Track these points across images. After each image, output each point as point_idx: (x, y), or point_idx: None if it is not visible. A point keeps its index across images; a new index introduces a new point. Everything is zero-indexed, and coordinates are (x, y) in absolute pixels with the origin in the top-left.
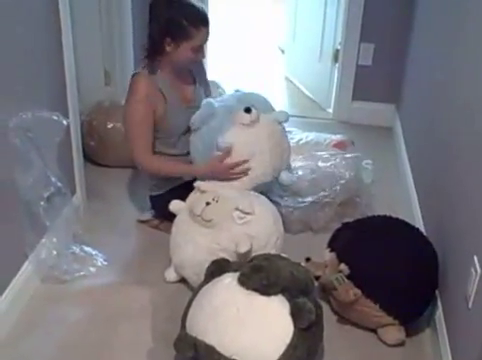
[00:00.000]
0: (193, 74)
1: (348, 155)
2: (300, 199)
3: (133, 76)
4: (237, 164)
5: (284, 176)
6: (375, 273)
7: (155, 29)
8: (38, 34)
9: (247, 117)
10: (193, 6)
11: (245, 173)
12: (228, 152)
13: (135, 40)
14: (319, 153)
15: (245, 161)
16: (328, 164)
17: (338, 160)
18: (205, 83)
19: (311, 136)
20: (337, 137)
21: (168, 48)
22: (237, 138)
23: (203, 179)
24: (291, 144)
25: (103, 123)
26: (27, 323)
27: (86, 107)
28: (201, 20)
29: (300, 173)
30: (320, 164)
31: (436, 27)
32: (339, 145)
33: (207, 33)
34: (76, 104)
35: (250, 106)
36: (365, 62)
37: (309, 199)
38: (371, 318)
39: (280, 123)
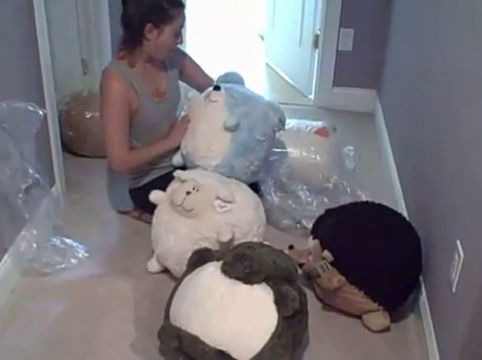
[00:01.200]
0: (165, 66)
1: (330, 142)
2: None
3: (104, 72)
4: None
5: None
6: (359, 260)
7: (134, 17)
8: (10, 22)
9: (213, 94)
10: None
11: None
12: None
13: (112, 28)
14: (300, 142)
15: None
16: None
17: (320, 147)
18: (202, 74)
19: (292, 123)
20: (318, 124)
21: (149, 35)
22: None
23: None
24: None
25: (81, 113)
26: (8, 317)
27: (64, 97)
28: (179, 1)
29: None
30: (303, 154)
31: (416, 11)
32: (321, 132)
33: (184, 14)
34: (53, 94)
35: (221, 86)
36: (345, 47)
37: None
38: (355, 304)
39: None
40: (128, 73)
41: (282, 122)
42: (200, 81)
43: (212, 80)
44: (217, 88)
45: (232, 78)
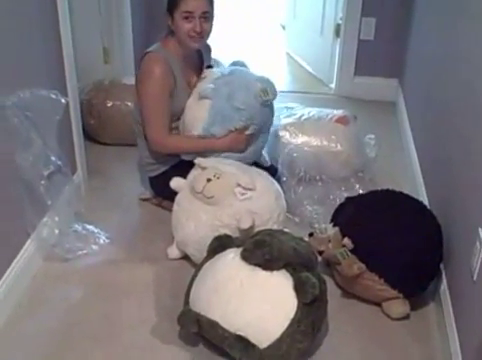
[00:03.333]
0: (202, 65)
1: (351, 130)
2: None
3: (146, 55)
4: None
5: None
6: (379, 247)
7: (166, 7)
8: (33, 12)
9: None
10: None
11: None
12: (246, 128)
13: (134, 17)
14: (321, 130)
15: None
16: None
17: (341, 136)
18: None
19: (313, 112)
20: (339, 112)
21: (169, 23)
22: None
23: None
24: (293, 120)
25: (103, 101)
26: (30, 302)
27: (86, 85)
28: None
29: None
30: (324, 142)
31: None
32: (341, 120)
33: (199, 1)
34: (75, 82)
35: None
36: (367, 36)
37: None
38: (375, 292)
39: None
40: (170, 58)
41: (267, 92)
42: None
43: None
44: (209, 67)
45: (236, 64)
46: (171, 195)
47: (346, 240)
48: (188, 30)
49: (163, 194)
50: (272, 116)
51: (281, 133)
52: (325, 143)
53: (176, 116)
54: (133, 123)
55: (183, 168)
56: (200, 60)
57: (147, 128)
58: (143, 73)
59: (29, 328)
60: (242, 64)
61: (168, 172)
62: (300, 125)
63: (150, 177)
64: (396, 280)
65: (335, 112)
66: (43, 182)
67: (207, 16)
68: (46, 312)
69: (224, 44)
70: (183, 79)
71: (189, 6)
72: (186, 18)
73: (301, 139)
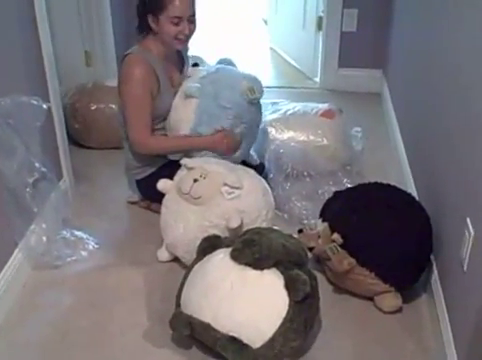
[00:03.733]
0: (183, 61)
1: (337, 123)
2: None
3: (126, 56)
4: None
5: None
6: (368, 241)
7: (138, 8)
8: (11, 16)
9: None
10: None
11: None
12: (234, 127)
13: (114, 19)
14: (307, 125)
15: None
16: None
17: (327, 130)
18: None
19: (298, 106)
20: (324, 106)
21: (153, 25)
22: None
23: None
24: (278, 116)
25: (86, 105)
26: (21, 310)
27: (69, 89)
28: None
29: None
30: (310, 137)
31: None
32: (327, 114)
33: (183, 2)
34: (56, 87)
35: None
36: (349, 28)
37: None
38: (367, 286)
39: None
40: (150, 58)
41: (254, 90)
42: None
43: None
44: (195, 65)
45: (223, 62)
46: (159, 197)
47: (335, 235)
48: (176, 33)
49: (151, 196)
50: (260, 114)
51: (267, 129)
52: (311, 138)
53: (162, 117)
54: (118, 126)
55: (170, 170)
56: (180, 58)
57: (129, 129)
58: (123, 75)
59: (20, 336)
60: (229, 62)
61: (155, 174)
62: (285, 120)
63: (137, 180)
64: (387, 274)
65: (320, 106)
66: (28, 189)
67: (193, 18)
68: (37, 320)
69: (207, 41)
70: (166, 78)
71: (178, 11)
72: (174, 22)
73: (287, 135)
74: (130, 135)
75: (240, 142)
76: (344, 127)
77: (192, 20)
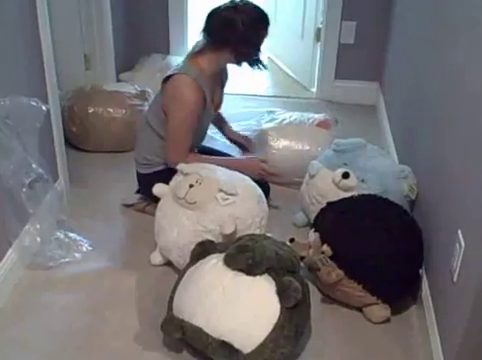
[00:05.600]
0: (222, 77)
1: (332, 134)
2: None
3: (179, 78)
4: (273, 174)
5: None
6: (357, 254)
7: (235, 34)
8: (12, 18)
9: (343, 181)
10: (265, 19)
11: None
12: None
13: (114, 23)
14: (303, 134)
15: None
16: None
17: (322, 140)
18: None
19: (294, 116)
20: (320, 116)
21: (235, 52)
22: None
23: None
24: (274, 125)
25: (84, 108)
26: (13, 311)
27: (67, 92)
28: (266, 31)
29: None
30: (306, 147)
31: (418, 2)
32: (323, 124)
33: None
34: (55, 89)
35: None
36: (347, 40)
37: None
38: (355, 298)
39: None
40: (201, 81)
41: (414, 187)
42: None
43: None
44: (346, 175)
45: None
46: (155, 196)
47: (325, 247)
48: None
49: (148, 193)
50: None
51: (266, 138)
52: (307, 147)
53: (198, 138)
54: (143, 122)
55: (173, 172)
56: (220, 75)
57: (169, 148)
58: (175, 94)
59: (11, 337)
60: (360, 143)
61: (158, 173)
62: (281, 130)
63: (140, 173)
64: (375, 287)
65: (316, 116)
66: (24, 190)
67: None
68: (29, 321)
69: None
70: (209, 98)
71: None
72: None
73: (283, 143)
74: (168, 154)
75: (274, 175)
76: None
77: None
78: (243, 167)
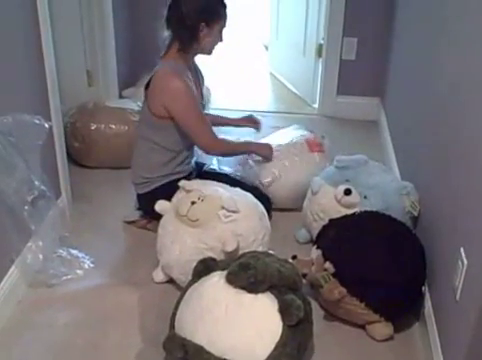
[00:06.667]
0: (198, 75)
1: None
2: None
3: (163, 75)
4: None
5: None
6: (359, 272)
7: (189, 16)
8: (16, 36)
9: (345, 198)
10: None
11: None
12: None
13: (117, 40)
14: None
15: None
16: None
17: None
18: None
19: (284, 138)
20: (310, 137)
21: (201, 34)
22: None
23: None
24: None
25: (87, 124)
26: (16, 328)
27: (70, 108)
28: (225, 1)
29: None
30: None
31: (418, 19)
32: (317, 148)
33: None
34: (58, 106)
35: (351, 189)
36: (349, 56)
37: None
38: (358, 315)
39: None
40: (183, 72)
41: (415, 204)
42: None
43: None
44: (348, 192)
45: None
46: (158, 214)
47: (327, 264)
48: (217, 42)
49: (150, 212)
50: None
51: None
52: (303, 178)
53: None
54: (137, 140)
55: (174, 186)
56: (195, 73)
57: (198, 136)
58: (170, 93)
59: (14, 355)
60: (362, 160)
61: (159, 189)
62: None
63: (139, 194)
64: (377, 305)
65: (303, 139)
66: (27, 207)
67: None
68: (31, 338)
69: (208, 65)
70: (194, 88)
71: (227, 23)
72: (222, 32)
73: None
74: (202, 141)
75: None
76: (332, 155)
77: None
78: (259, 148)
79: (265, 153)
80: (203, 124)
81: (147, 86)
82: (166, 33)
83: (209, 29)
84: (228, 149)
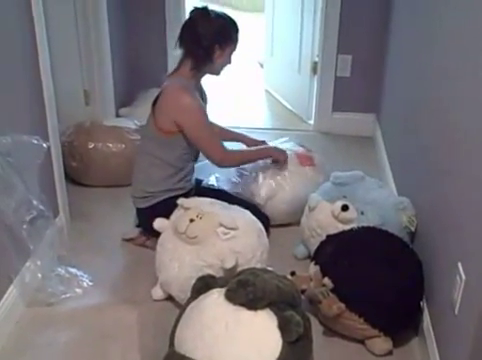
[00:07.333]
0: (202, 96)
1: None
2: None
3: (173, 91)
4: None
5: None
6: (358, 288)
7: (207, 38)
8: (13, 56)
9: (342, 214)
10: (227, 15)
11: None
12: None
13: (113, 59)
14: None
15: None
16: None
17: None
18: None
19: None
20: (300, 151)
21: (215, 54)
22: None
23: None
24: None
25: (84, 144)
26: (14, 348)
27: (67, 128)
28: (237, 25)
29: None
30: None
31: (412, 35)
32: (308, 162)
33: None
34: (56, 126)
35: (348, 205)
36: (343, 73)
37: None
38: (356, 331)
39: None
40: (192, 90)
41: (413, 219)
42: None
43: None
44: (345, 208)
45: (352, 178)
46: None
47: (326, 280)
48: (227, 63)
49: (149, 227)
50: None
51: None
52: (300, 194)
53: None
54: (140, 155)
55: (174, 202)
56: (201, 93)
57: (209, 150)
58: (181, 107)
59: None
60: (358, 176)
61: (160, 204)
62: (266, 168)
63: (139, 209)
64: (376, 320)
65: (295, 150)
66: (25, 227)
67: None
68: (31, 358)
69: (204, 81)
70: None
71: (237, 46)
72: (231, 54)
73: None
74: (213, 154)
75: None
76: (325, 168)
77: None
78: (273, 154)
79: (280, 158)
80: (213, 138)
81: (154, 102)
82: (178, 51)
83: (221, 51)
84: (239, 160)
